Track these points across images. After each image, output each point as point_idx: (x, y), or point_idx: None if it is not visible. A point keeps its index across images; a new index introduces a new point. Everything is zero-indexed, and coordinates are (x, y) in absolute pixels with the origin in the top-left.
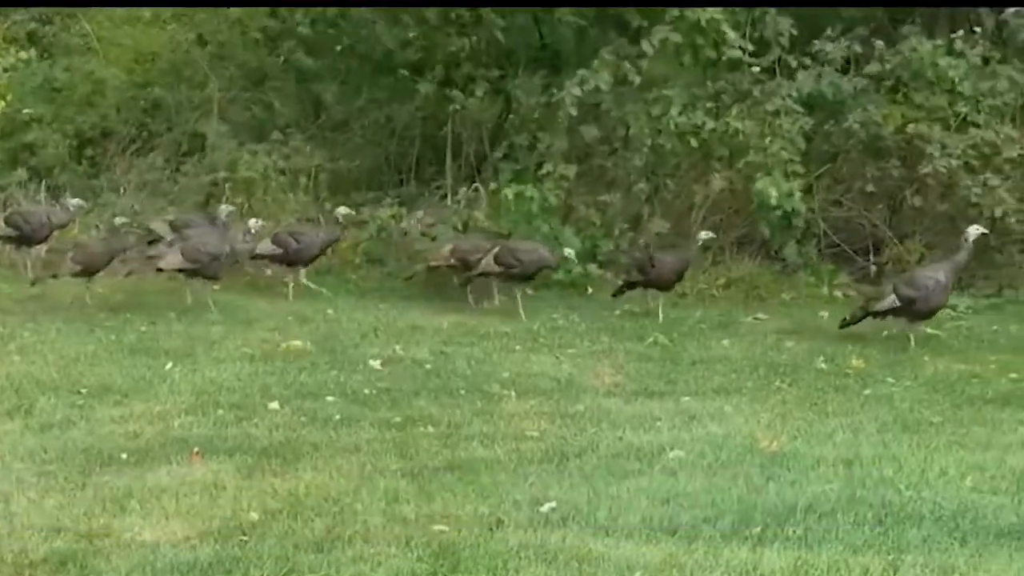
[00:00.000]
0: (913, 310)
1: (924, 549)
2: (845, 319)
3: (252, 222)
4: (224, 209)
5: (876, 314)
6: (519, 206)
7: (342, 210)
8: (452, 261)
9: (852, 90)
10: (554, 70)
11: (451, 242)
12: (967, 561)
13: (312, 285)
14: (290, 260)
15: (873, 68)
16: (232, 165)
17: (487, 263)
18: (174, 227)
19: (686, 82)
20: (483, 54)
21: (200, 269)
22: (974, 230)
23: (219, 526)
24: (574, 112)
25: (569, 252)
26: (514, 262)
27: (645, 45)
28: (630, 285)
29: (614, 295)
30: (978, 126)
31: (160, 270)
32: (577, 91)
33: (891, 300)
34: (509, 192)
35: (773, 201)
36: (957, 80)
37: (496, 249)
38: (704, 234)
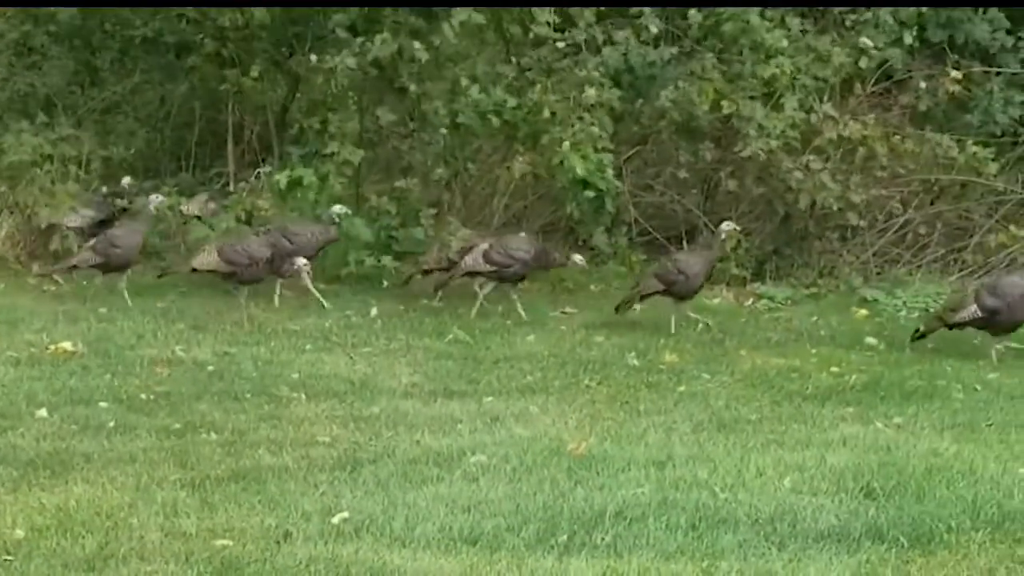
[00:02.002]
0: (996, 322)
1: (740, 554)
2: (918, 330)
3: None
4: (155, 198)
5: (954, 325)
6: (300, 193)
7: (337, 208)
8: (443, 262)
9: (661, 61)
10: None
11: (441, 241)
12: (785, 566)
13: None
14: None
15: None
16: None
17: (474, 261)
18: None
19: (488, 58)
20: (262, 30)
21: (237, 273)
22: None
23: None
24: (345, 82)
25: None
26: (509, 260)
27: (446, 28)
28: (644, 297)
29: (618, 310)
30: (796, 108)
31: (195, 270)
32: (352, 61)
33: (972, 310)
34: (282, 179)
35: (580, 175)
36: (777, 53)
37: (485, 245)
38: (727, 225)
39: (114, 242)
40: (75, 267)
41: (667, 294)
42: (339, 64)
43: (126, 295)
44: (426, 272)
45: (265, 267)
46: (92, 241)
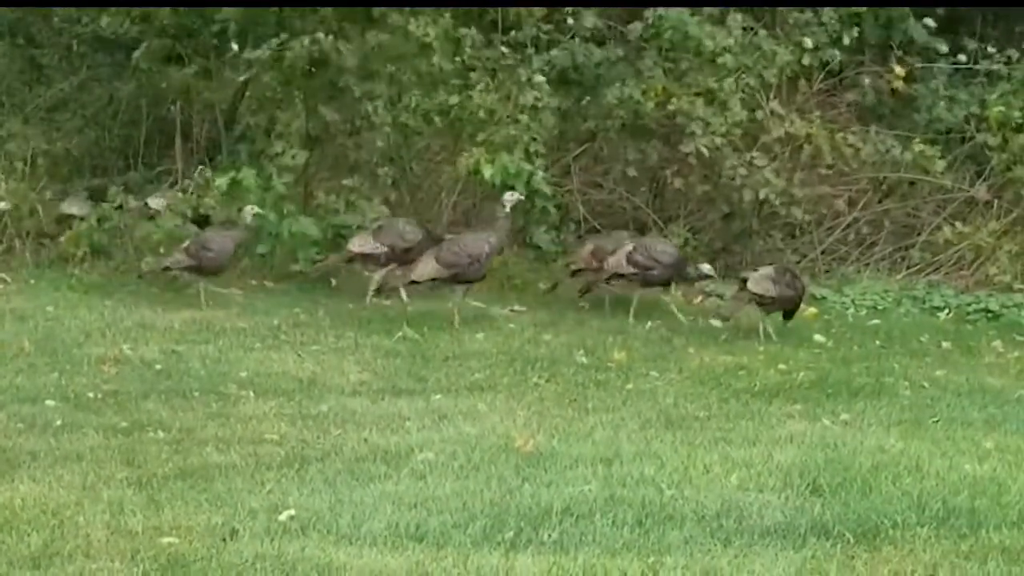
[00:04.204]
0: None
1: (686, 551)
2: None
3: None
4: (251, 209)
5: None
6: (241, 194)
7: (509, 196)
8: (594, 263)
9: (606, 60)
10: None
11: (591, 241)
12: (730, 562)
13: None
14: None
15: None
16: None
17: (617, 263)
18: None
19: (432, 57)
20: (204, 28)
21: (459, 274)
22: None
23: None
24: (302, 63)
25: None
26: (651, 263)
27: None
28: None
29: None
30: (739, 107)
31: (414, 282)
32: (306, 41)
33: None
34: (223, 182)
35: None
36: (719, 51)
37: (630, 247)
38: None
39: (207, 245)
40: (168, 268)
41: (768, 304)
42: (255, 59)
43: (203, 297)
44: (575, 273)
45: (487, 261)
46: (186, 243)
